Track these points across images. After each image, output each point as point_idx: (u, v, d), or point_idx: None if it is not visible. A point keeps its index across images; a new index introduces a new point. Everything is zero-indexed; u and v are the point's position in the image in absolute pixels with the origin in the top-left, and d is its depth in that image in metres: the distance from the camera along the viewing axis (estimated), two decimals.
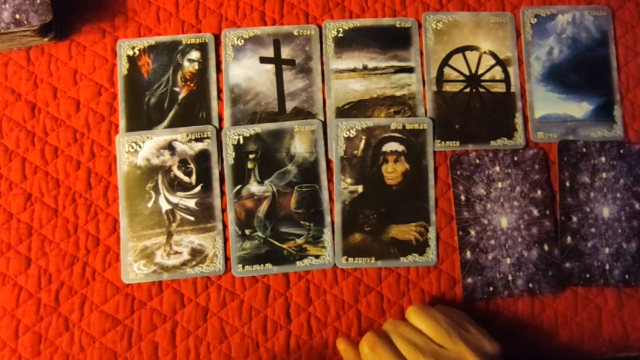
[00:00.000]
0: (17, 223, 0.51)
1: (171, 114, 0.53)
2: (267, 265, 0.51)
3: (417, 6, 0.55)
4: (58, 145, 0.52)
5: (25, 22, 0.48)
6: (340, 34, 0.54)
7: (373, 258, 0.52)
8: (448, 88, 0.54)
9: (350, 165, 0.52)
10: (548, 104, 0.54)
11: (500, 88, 0.54)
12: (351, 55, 0.54)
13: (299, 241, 0.52)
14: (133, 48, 0.53)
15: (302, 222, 0.52)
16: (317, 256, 0.51)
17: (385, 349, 0.44)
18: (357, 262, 0.52)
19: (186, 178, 0.52)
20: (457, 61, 0.55)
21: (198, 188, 0.52)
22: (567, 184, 0.53)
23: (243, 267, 0.51)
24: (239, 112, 0.53)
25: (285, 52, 0.54)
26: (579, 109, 0.54)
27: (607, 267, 0.52)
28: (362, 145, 0.53)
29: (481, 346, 0.44)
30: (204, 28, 0.54)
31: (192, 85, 0.53)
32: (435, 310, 0.47)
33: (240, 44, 0.54)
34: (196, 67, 0.53)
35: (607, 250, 0.53)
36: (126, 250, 0.51)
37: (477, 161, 0.53)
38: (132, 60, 0.53)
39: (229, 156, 0.52)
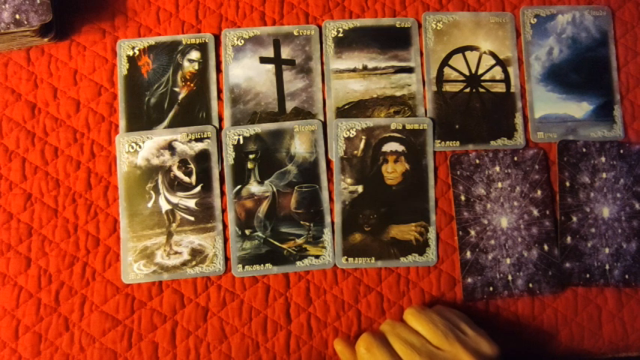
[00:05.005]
0: (17, 223, 0.51)
1: (171, 114, 0.53)
2: (267, 265, 0.51)
3: (417, 6, 0.55)
4: (58, 145, 0.52)
5: (25, 22, 0.48)
6: (340, 34, 0.54)
7: (373, 258, 0.52)
8: (448, 88, 0.54)
9: (350, 165, 0.52)
10: (548, 104, 0.54)
11: (500, 88, 0.54)
12: (351, 55, 0.54)
13: (299, 241, 0.52)
14: (133, 48, 0.53)
15: (302, 222, 0.52)
16: (317, 256, 0.51)
17: (381, 349, 0.44)
18: (357, 262, 0.52)
19: (186, 178, 0.52)
20: (457, 61, 0.55)
21: (198, 188, 0.52)
22: (567, 184, 0.53)
23: (243, 267, 0.51)
24: (239, 112, 0.53)
25: (285, 52, 0.54)
26: (579, 109, 0.54)
27: (607, 267, 0.52)
28: (362, 145, 0.53)
29: (478, 348, 0.44)
30: (204, 28, 0.54)
31: (192, 85, 0.53)
32: (433, 312, 0.47)
33: (240, 44, 0.54)
34: (196, 67, 0.53)
35: (607, 250, 0.52)
36: (126, 250, 0.51)
37: (477, 161, 0.53)
38: (132, 60, 0.53)
39: (229, 156, 0.52)
